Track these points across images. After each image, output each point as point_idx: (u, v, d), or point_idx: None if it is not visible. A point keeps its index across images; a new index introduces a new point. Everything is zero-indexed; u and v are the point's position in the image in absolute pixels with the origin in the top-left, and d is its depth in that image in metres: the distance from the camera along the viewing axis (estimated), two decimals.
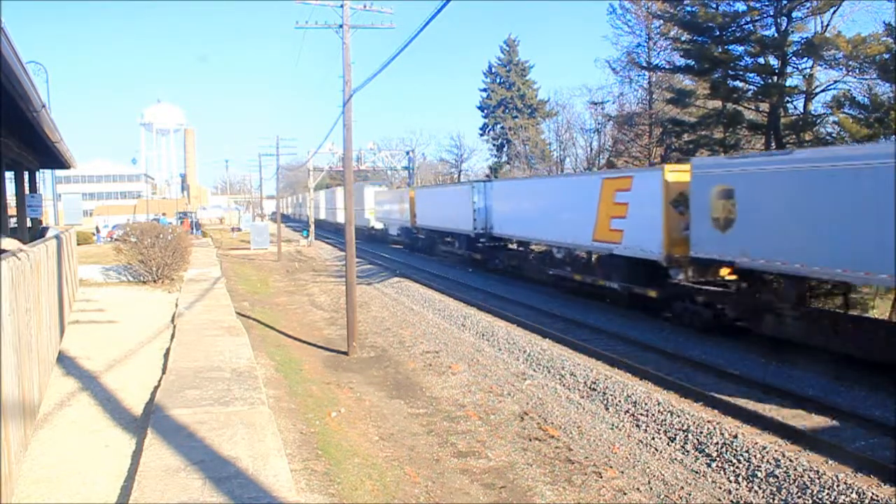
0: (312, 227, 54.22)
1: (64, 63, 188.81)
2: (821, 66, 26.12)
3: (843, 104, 24.10)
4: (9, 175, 16.11)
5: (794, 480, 8.05)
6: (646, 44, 35.99)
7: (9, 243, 6.20)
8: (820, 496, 7.70)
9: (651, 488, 8.50)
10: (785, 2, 24.94)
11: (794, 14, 25.31)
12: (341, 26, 15.94)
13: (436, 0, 9.35)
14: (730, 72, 27.76)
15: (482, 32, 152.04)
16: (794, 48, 25.61)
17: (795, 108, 27.84)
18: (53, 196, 37.70)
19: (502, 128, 57.19)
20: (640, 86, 38.48)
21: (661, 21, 32.94)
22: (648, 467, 9.05)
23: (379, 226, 49.38)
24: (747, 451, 8.85)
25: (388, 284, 26.76)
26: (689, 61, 29.94)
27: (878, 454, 8.43)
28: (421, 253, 38.64)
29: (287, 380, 11.85)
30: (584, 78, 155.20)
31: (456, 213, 30.59)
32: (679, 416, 10.24)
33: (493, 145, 59.83)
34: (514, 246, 27.36)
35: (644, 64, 35.42)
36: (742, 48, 27.55)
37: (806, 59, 26.13)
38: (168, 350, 10.01)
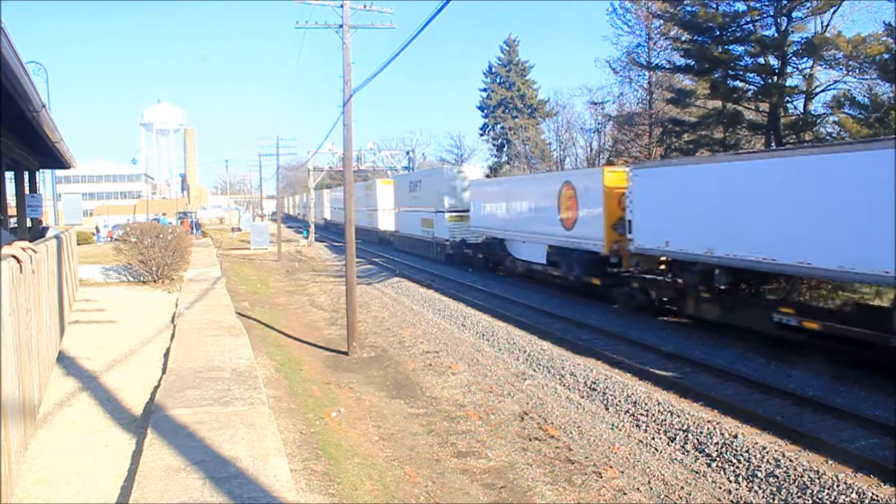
0: (312, 227, 54.16)
1: (64, 63, 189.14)
2: (821, 66, 26.14)
3: (844, 104, 24.13)
4: (9, 175, 16.10)
5: (794, 480, 8.06)
6: (646, 44, 35.99)
7: (13, 248, 6.20)
8: (820, 496, 7.70)
9: (651, 488, 8.50)
10: (785, 2, 24.95)
11: (794, 14, 25.33)
12: (341, 26, 15.96)
13: (436, 0, 9.36)
14: (730, 72, 27.79)
15: (482, 32, 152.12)
16: (794, 48, 25.63)
17: (795, 108, 27.86)
18: (53, 196, 37.65)
19: (502, 128, 57.14)
20: (640, 86, 38.52)
21: (661, 21, 32.95)
22: (648, 467, 9.05)
23: (479, 239, 29.37)
24: (747, 451, 8.85)
25: (388, 284, 26.76)
26: (689, 61, 29.95)
27: (878, 454, 8.43)
28: (642, 310, 17.63)
29: (287, 380, 11.84)
30: (584, 78, 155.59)
31: None
32: (679, 416, 10.24)
33: (493, 145, 59.80)
34: None
35: (644, 63, 35.43)
36: (742, 48, 27.58)
37: (806, 59, 26.14)
38: (168, 350, 10.00)
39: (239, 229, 61.69)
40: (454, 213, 31.70)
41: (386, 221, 44.03)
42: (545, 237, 22.48)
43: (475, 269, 29.01)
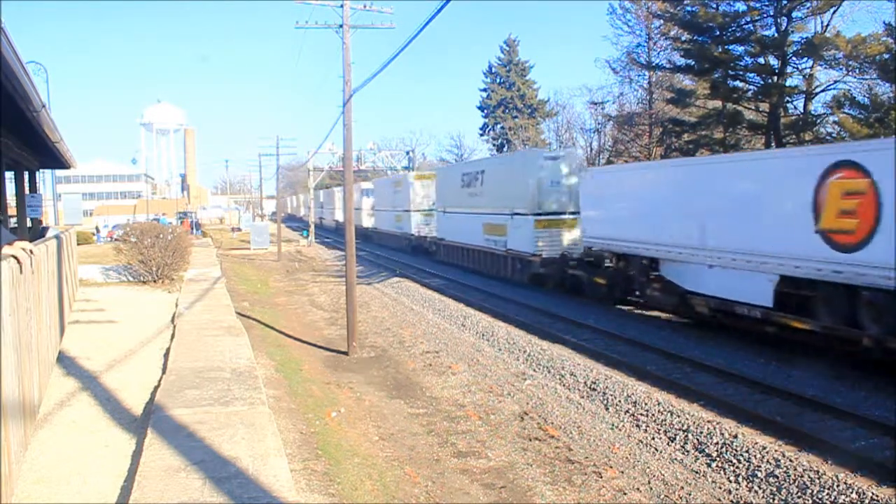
0: (312, 227, 54.15)
1: (64, 63, 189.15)
2: (821, 66, 26.21)
3: (844, 104, 24.19)
4: (9, 175, 16.11)
5: (794, 480, 8.05)
6: (646, 44, 36.08)
7: (13, 248, 6.20)
8: (820, 496, 7.69)
9: (651, 488, 8.50)
10: (785, 2, 24.98)
11: (794, 14, 25.39)
12: (341, 26, 15.95)
13: (436, 0, 9.37)
14: (730, 72, 27.85)
15: (482, 32, 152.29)
16: (794, 48, 25.69)
17: (795, 108, 27.92)
18: (53, 196, 37.70)
19: (502, 128, 57.21)
20: (640, 86, 38.60)
21: (661, 21, 33.00)
22: (648, 467, 9.04)
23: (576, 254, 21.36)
24: (747, 451, 8.85)
25: (388, 284, 26.76)
26: (689, 61, 30.01)
27: (878, 454, 8.43)
28: None
29: (287, 380, 11.84)
30: (584, 78, 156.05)
31: None
32: (679, 416, 10.24)
33: (493, 145, 59.86)
34: None
35: (644, 63, 35.47)
36: (742, 48, 27.66)
37: (806, 59, 26.21)
38: (168, 350, 10.01)
39: (239, 229, 61.70)
40: (545, 217, 22.53)
41: (422, 225, 37.07)
42: (772, 260, 13.17)
43: (594, 299, 19.90)
